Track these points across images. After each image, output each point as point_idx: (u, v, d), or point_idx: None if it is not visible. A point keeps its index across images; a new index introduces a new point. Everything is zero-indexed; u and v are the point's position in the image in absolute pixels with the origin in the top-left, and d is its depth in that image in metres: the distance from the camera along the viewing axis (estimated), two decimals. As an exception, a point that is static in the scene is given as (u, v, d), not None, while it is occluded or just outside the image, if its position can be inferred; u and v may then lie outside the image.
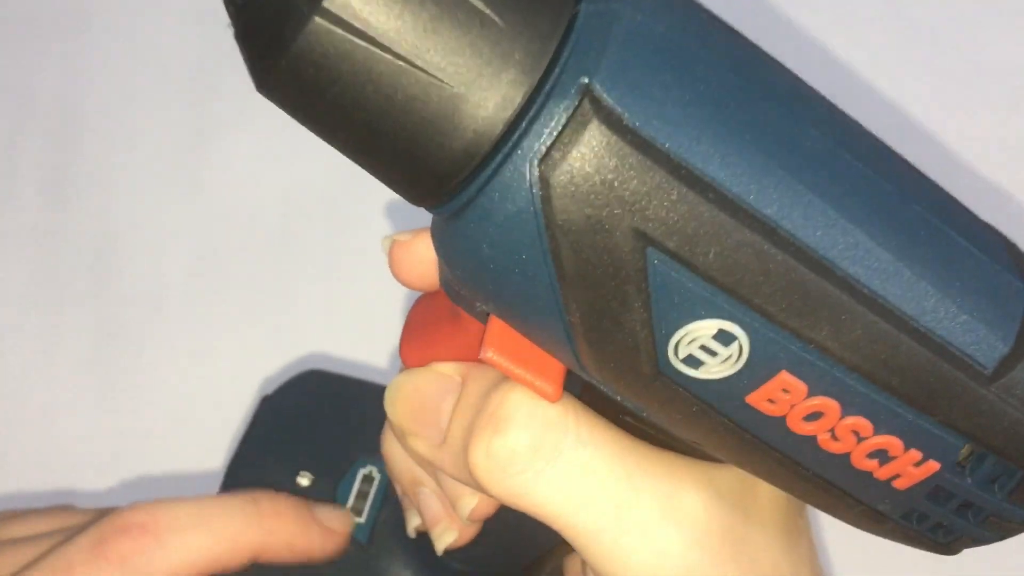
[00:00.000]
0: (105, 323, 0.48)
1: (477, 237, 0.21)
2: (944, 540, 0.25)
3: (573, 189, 0.19)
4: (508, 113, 0.20)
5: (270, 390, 0.42)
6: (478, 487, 0.26)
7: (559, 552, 0.36)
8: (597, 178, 0.19)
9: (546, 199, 0.20)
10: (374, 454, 0.39)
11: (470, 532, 0.31)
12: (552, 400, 0.25)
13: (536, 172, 0.20)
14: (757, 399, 0.22)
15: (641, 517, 0.25)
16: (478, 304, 0.23)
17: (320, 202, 0.50)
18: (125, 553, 0.31)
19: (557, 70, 0.20)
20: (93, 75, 0.53)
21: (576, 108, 0.19)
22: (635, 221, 0.20)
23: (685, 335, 0.21)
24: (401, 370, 0.34)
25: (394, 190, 0.22)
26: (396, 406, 0.28)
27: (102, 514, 0.34)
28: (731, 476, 0.27)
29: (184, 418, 0.46)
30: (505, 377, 0.26)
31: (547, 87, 0.20)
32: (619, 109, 0.19)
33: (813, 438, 0.22)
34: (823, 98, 0.22)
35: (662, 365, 0.22)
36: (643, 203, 0.20)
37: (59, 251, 0.49)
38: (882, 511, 0.24)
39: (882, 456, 0.23)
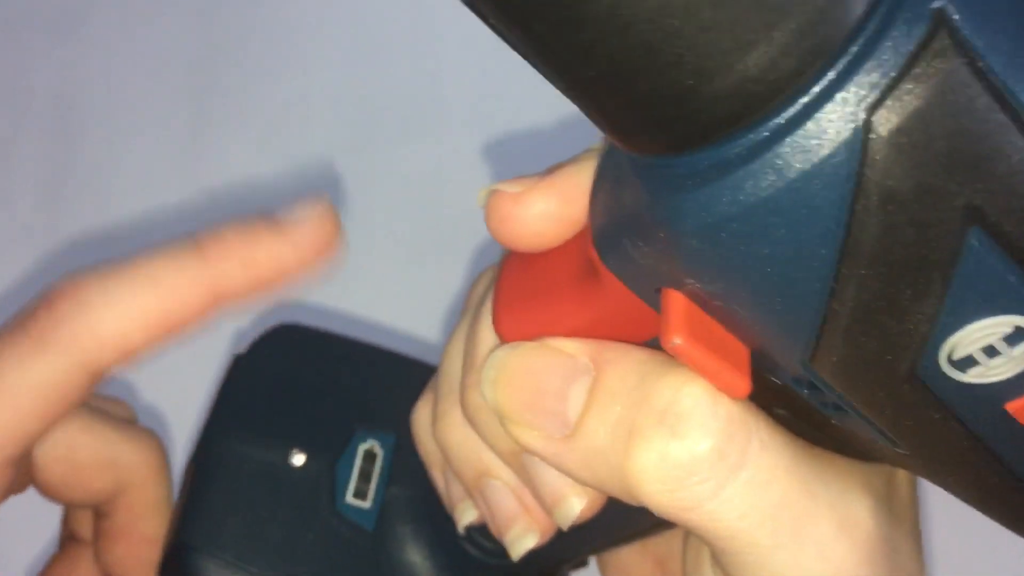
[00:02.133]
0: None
1: (750, 198, 0.16)
2: None
3: (910, 147, 0.15)
4: (839, 35, 0.15)
5: (242, 348, 0.35)
6: (626, 494, 0.21)
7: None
8: (943, 134, 0.15)
9: (871, 158, 0.15)
10: (373, 426, 0.34)
11: (550, 534, 0.26)
12: (741, 395, 0.20)
13: (862, 120, 0.15)
14: (1020, 406, 0.18)
15: (819, 531, 0.21)
16: (689, 280, 0.19)
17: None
18: (44, 325, 0.25)
19: None
20: (90, 73, 0.52)
21: (927, 40, 0.15)
22: (973, 193, 0.15)
23: (971, 333, 0.17)
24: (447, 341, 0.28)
25: (613, 128, 0.17)
26: (501, 388, 0.23)
27: None
28: (881, 473, 0.23)
29: (183, 416, 0.41)
30: (662, 361, 0.21)
31: (882, 6, 0.15)
32: (978, 47, 0.15)
33: None
34: None
35: (923, 366, 0.18)
36: (989, 171, 0.15)
37: (55, 249, 0.48)
38: None
39: None
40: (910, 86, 0.15)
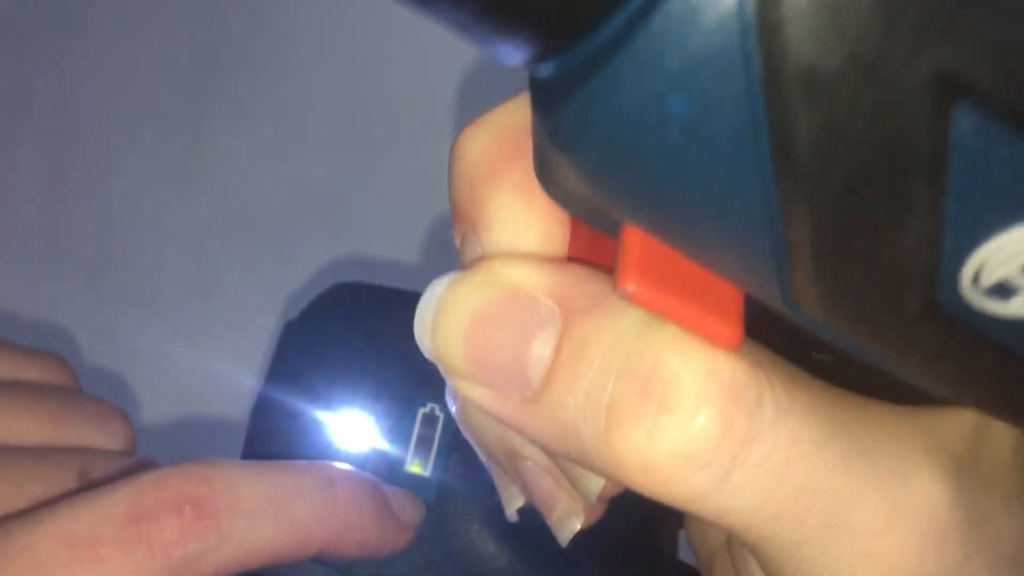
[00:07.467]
0: (103, 320, 0.47)
1: (629, 100, 0.12)
2: None
3: (826, 10, 0.10)
4: None
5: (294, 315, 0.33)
6: (618, 478, 0.17)
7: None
8: None
9: (771, 25, 0.10)
10: (433, 387, 0.31)
11: (598, 512, 0.22)
12: (729, 346, 0.16)
13: None
14: None
15: (861, 520, 0.16)
16: (615, 211, 0.14)
17: (319, 201, 0.48)
18: (172, 539, 0.22)
19: None
20: (90, 73, 0.52)
21: None
22: (940, 55, 0.10)
23: (998, 251, 0.12)
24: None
25: (480, 36, 0.13)
26: (442, 336, 0.18)
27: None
28: (959, 421, 0.18)
29: (183, 416, 0.42)
30: (646, 312, 0.17)
31: None
32: None
33: None
34: None
35: (943, 298, 0.13)
36: (952, 22, 0.10)
37: (58, 249, 0.48)
38: None
39: None
40: None
